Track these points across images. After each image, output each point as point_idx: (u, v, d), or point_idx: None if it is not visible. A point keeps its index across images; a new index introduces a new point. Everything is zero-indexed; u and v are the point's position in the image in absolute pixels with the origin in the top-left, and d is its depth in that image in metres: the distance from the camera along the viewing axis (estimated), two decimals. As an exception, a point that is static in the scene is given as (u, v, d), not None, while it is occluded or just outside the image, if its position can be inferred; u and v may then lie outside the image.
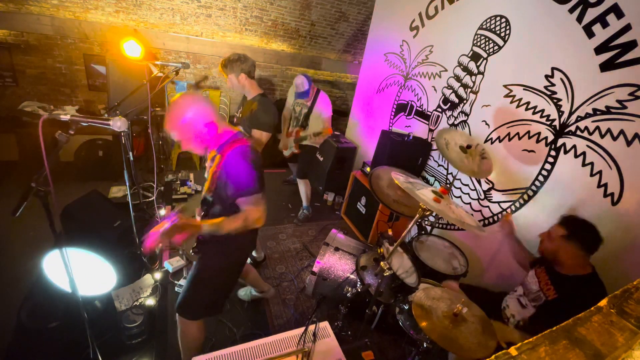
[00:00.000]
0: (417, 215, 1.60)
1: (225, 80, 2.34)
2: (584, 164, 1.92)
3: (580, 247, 1.56)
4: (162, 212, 3.21)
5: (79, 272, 1.44)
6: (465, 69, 2.68)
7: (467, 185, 2.70)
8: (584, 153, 1.92)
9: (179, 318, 1.69)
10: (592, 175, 1.88)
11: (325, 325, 1.42)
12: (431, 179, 3.11)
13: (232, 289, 1.83)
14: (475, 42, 2.58)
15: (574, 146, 1.97)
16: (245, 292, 2.47)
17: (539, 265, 1.79)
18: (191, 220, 1.34)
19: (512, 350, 0.56)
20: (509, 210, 2.35)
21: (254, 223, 1.46)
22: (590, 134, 1.88)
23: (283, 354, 1.20)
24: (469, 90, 2.66)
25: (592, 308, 0.69)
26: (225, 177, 1.45)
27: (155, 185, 3.07)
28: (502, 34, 2.36)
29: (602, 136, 1.83)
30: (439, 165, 3.01)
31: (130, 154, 2.46)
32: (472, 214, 2.65)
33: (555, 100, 2.05)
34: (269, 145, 2.43)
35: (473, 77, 2.62)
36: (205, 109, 1.44)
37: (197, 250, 1.64)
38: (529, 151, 2.21)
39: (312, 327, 1.27)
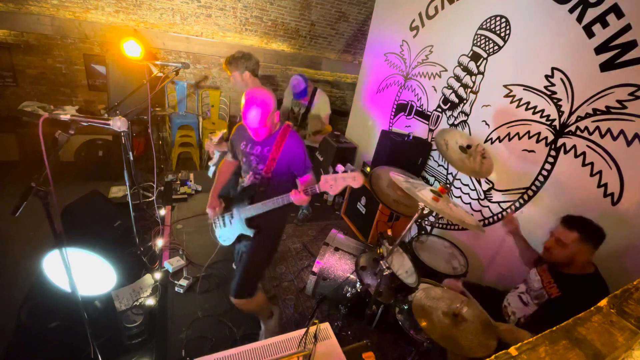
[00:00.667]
0: (417, 215, 1.60)
1: (228, 78, 2.37)
2: (584, 164, 1.92)
3: (595, 246, 1.55)
4: (162, 212, 3.22)
5: (79, 272, 1.44)
6: (465, 69, 2.68)
7: (467, 185, 2.70)
8: (584, 153, 1.92)
9: (238, 302, 1.83)
10: (592, 175, 1.88)
11: (326, 326, 1.42)
12: (431, 179, 3.11)
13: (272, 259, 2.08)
14: (475, 42, 2.58)
15: (574, 146, 1.97)
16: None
17: (541, 263, 1.79)
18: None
19: (512, 350, 0.56)
20: (510, 209, 2.34)
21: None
22: (590, 134, 1.88)
23: (284, 355, 1.20)
24: (469, 90, 2.66)
25: (592, 308, 0.69)
26: (291, 157, 1.74)
27: (155, 185, 3.07)
28: (502, 34, 2.36)
29: (602, 136, 1.83)
30: (439, 165, 3.01)
31: (130, 154, 2.46)
32: (472, 214, 2.65)
33: (555, 100, 2.05)
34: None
35: (473, 77, 2.62)
36: (272, 101, 1.68)
37: (254, 225, 1.82)
38: (529, 151, 2.21)
39: (312, 329, 1.26)
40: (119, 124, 1.54)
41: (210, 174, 2.57)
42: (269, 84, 5.04)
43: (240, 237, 1.88)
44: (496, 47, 2.42)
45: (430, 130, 3.11)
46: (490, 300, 1.83)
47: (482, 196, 2.57)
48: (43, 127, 1.19)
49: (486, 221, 2.54)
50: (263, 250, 1.90)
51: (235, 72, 2.24)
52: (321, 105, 3.39)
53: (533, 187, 2.20)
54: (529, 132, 2.21)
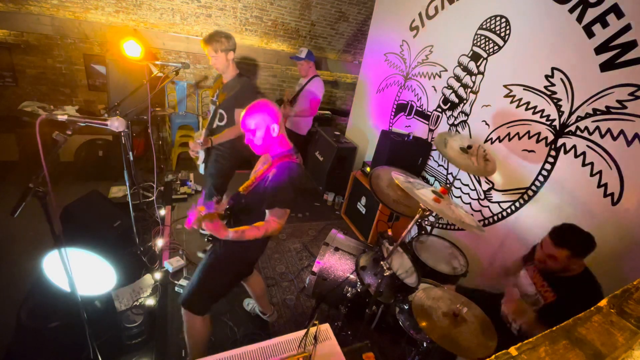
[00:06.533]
0: (417, 215, 1.60)
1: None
2: (584, 164, 1.92)
3: (585, 256, 1.55)
4: (162, 212, 3.22)
5: (79, 272, 1.44)
6: (465, 69, 2.68)
7: (467, 185, 2.70)
8: (584, 153, 1.92)
9: (185, 313, 1.70)
10: (592, 175, 1.88)
11: (326, 327, 1.42)
12: (431, 179, 3.11)
13: (234, 286, 1.85)
14: (475, 42, 2.58)
15: (574, 146, 1.97)
16: (250, 307, 2.41)
17: (531, 263, 1.78)
18: (219, 223, 1.40)
19: (512, 350, 0.56)
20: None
21: (272, 233, 1.55)
22: (590, 134, 1.88)
23: (284, 357, 1.20)
24: (469, 90, 2.65)
25: (592, 308, 0.69)
26: (266, 186, 1.55)
27: (155, 185, 3.07)
28: (502, 34, 2.36)
29: (602, 136, 1.83)
30: (439, 165, 3.01)
31: (130, 154, 2.46)
32: (472, 214, 2.65)
33: (555, 100, 2.05)
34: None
35: (473, 77, 2.62)
36: (282, 121, 1.59)
37: (213, 239, 1.66)
38: (529, 151, 2.21)
39: (313, 330, 1.26)
40: (116, 124, 1.54)
41: (201, 171, 2.59)
42: (268, 84, 5.04)
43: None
44: (496, 47, 2.42)
45: (430, 130, 3.11)
46: (491, 303, 1.83)
47: (482, 196, 2.57)
48: (41, 128, 1.19)
49: (486, 221, 2.54)
50: (213, 271, 1.71)
51: (221, 52, 2.18)
52: (312, 91, 3.49)
53: (533, 187, 2.20)
54: (529, 132, 2.21)
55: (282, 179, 1.52)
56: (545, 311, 1.61)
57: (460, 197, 2.76)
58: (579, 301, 1.46)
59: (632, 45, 1.68)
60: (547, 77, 2.08)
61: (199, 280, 1.69)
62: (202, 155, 2.52)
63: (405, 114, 3.41)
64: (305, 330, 1.27)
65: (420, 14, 3.12)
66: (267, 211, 1.54)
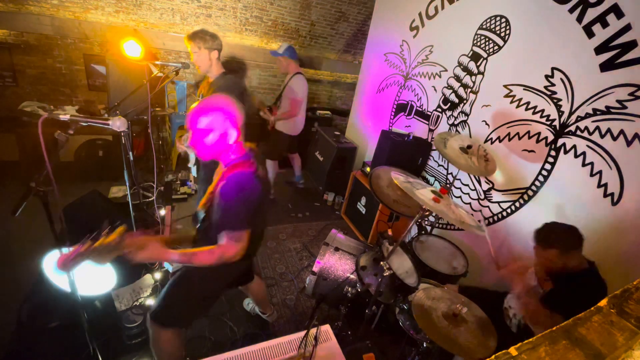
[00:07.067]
0: (417, 215, 1.60)
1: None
2: (584, 164, 1.92)
3: (578, 248, 1.54)
4: (162, 212, 3.21)
5: (79, 272, 1.44)
6: (465, 69, 2.68)
7: (467, 185, 2.70)
8: (584, 153, 1.92)
9: (150, 323, 1.54)
10: (592, 175, 1.88)
11: (326, 328, 1.42)
12: (431, 179, 3.11)
13: (209, 308, 1.73)
14: (475, 42, 2.58)
15: (574, 146, 1.97)
16: (250, 307, 2.39)
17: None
18: (157, 246, 1.25)
19: (512, 350, 0.56)
20: None
21: (229, 260, 1.33)
22: (590, 134, 1.88)
23: (284, 358, 1.20)
24: (469, 90, 2.65)
25: (592, 308, 0.69)
26: (217, 203, 1.35)
27: (155, 185, 3.07)
28: (502, 34, 2.36)
29: (602, 136, 1.83)
30: (439, 165, 3.01)
31: (130, 154, 2.46)
32: (472, 214, 2.65)
33: (555, 100, 2.05)
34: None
35: (473, 77, 2.62)
36: (233, 116, 1.33)
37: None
38: (529, 151, 2.21)
39: (313, 331, 1.26)
40: (118, 123, 1.54)
41: (194, 173, 2.58)
42: (268, 84, 5.03)
43: None
44: (496, 47, 2.41)
45: (430, 130, 3.11)
46: (491, 301, 1.83)
47: (482, 196, 2.57)
48: (43, 127, 1.19)
49: (486, 221, 2.54)
50: (184, 283, 1.55)
51: (204, 49, 2.16)
52: (292, 89, 3.39)
53: (533, 187, 2.20)
54: (529, 132, 2.21)
55: (229, 196, 1.29)
56: (544, 298, 1.60)
57: (460, 197, 2.76)
58: (576, 291, 1.47)
59: (632, 45, 1.68)
60: (547, 77, 2.08)
61: (168, 290, 1.53)
62: (192, 158, 2.50)
63: (405, 114, 3.41)
64: (306, 331, 1.27)
65: (420, 14, 3.12)
66: (220, 234, 1.32)
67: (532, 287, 1.72)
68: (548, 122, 2.09)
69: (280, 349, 1.30)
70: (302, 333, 1.29)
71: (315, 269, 2.20)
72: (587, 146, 1.90)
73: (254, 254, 1.71)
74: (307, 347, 1.24)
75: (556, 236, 1.54)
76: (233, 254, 1.32)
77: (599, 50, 1.82)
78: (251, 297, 2.16)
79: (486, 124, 2.50)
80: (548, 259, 1.55)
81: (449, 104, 2.87)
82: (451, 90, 2.83)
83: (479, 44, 2.55)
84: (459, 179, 2.75)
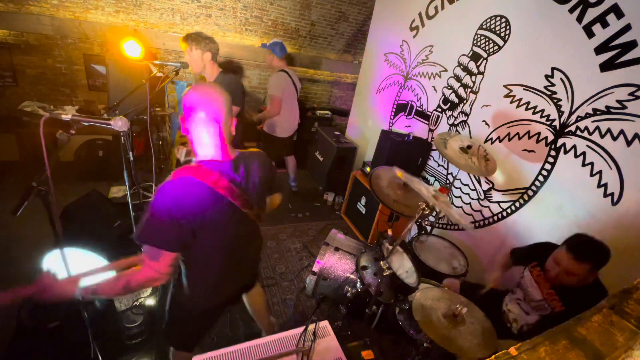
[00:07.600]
0: (417, 215, 1.60)
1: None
2: (584, 164, 1.92)
3: (600, 268, 1.49)
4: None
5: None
6: (465, 69, 2.68)
7: (467, 185, 2.70)
8: (584, 153, 1.92)
9: (167, 343, 1.53)
10: (592, 175, 1.88)
11: (325, 324, 1.42)
12: (431, 179, 3.11)
13: (202, 335, 1.57)
14: (475, 42, 2.58)
15: (574, 146, 1.97)
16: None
17: (533, 265, 1.74)
18: (59, 284, 1.14)
19: (512, 350, 0.56)
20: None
21: (146, 285, 1.08)
22: (590, 134, 1.88)
23: (283, 353, 1.20)
24: (469, 90, 2.66)
25: (592, 308, 0.69)
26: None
27: (155, 186, 3.06)
28: (502, 34, 2.36)
29: (602, 136, 1.83)
30: (439, 165, 3.01)
31: (130, 154, 2.45)
32: (471, 214, 2.65)
33: (555, 100, 2.05)
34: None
35: (473, 77, 2.62)
36: (226, 125, 1.16)
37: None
38: (529, 151, 2.21)
39: (311, 327, 1.27)
40: (120, 123, 1.54)
41: None
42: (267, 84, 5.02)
43: None
44: (496, 47, 2.42)
45: (430, 130, 3.11)
46: (490, 301, 1.83)
47: (482, 196, 2.57)
48: (44, 127, 1.19)
49: (486, 221, 2.54)
50: (174, 304, 1.42)
51: (197, 50, 2.18)
52: (270, 85, 3.36)
53: (533, 187, 2.20)
54: (528, 132, 2.21)
55: (151, 205, 1.07)
56: (552, 319, 1.56)
57: (460, 197, 2.76)
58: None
59: (632, 45, 1.68)
60: (547, 77, 2.08)
61: (167, 314, 1.43)
62: (182, 154, 2.45)
63: (405, 114, 3.41)
64: (304, 326, 1.27)
65: (420, 14, 3.12)
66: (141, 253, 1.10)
67: (534, 301, 1.69)
68: (548, 122, 2.09)
69: (279, 344, 1.30)
70: (301, 329, 1.29)
71: (315, 269, 2.20)
72: (587, 146, 1.90)
73: (230, 297, 1.50)
74: (305, 342, 1.25)
75: (595, 251, 1.48)
76: (151, 278, 1.07)
77: (599, 50, 1.82)
78: (251, 311, 2.00)
79: (486, 124, 2.50)
80: (572, 272, 1.48)
81: (449, 104, 2.87)
82: (451, 90, 2.83)
83: (479, 44, 2.55)
84: (459, 179, 2.76)
